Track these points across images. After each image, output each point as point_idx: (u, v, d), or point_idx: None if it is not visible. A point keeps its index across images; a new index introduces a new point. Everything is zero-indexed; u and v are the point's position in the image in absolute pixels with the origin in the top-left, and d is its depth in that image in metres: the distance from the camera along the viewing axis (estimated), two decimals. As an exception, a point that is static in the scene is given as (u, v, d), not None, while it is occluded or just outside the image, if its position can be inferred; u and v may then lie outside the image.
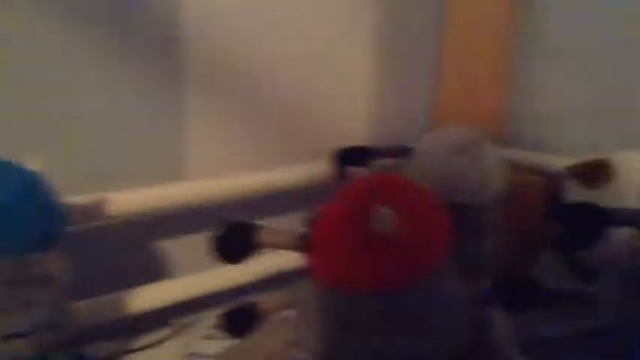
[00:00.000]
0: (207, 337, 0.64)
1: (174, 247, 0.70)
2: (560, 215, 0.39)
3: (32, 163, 0.46)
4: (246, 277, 0.69)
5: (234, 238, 0.39)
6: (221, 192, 0.68)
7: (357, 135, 0.79)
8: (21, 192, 0.42)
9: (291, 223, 0.65)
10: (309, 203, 0.72)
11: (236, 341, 0.44)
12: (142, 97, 0.65)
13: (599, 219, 0.38)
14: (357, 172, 0.48)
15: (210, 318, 0.66)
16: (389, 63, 0.85)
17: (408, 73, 0.89)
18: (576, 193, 0.63)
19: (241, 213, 0.72)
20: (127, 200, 0.60)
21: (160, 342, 0.63)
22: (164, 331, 0.65)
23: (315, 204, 0.70)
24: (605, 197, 0.60)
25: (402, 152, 0.56)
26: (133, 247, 0.67)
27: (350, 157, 0.50)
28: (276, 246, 0.40)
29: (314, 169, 0.71)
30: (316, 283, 0.41)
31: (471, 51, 0.92)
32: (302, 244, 0.39)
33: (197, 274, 0.68)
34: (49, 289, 0.45)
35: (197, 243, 0.70)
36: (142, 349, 0.61)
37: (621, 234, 0.46)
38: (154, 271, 0.69)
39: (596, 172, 0.62)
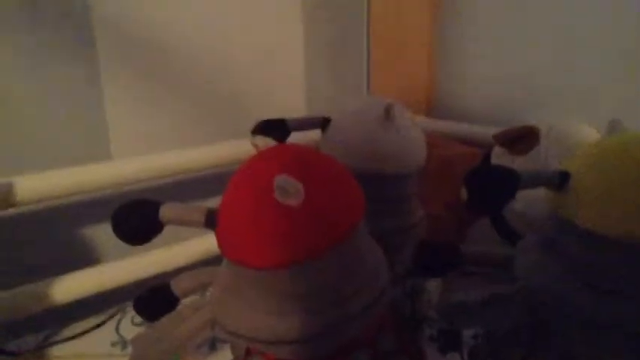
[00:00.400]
0: (137, 324, 0.62)
1: (98, 233, 0.69)
2: (470, 180, 0.38)
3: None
4: (177, 262, 0.68)
5: (136, 216, 0.37)
6: (144, 171, 0.66)
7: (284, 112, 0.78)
8: None
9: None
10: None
11: (151, 325, 0.43)
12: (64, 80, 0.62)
13: (506, 180, 0.38)
14: (263, 142, 0.47)
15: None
16: (317, 45, 0.84)
17: (336, 54, 0.88)
18: (503, 161, 0.64)
19: (168, 193, 0.71)
20: (41, 183, 0.57)
21: (88, 331, 0.61)
22: (92, 320, 0.64)
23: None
24: (529, 164, 0.61)
25: (323, 124, 0.55)
26: (54, 235, 0.65)
27: (268, 129, 0.49)
28: (183, 222, 0.38)
29: (240, 146, 0.70)
30: (227, 260, 0.40)
31: (398, 24, 0.92)
32: (209, 219, 0.38)
33: (124, 261, 0.66)
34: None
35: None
36: (69, 339, 0.59)
37: (535, 198, 0.46)
38: (80, 258, 0.67)
39: (520, 139, 0.62)
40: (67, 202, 0.64)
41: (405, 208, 0.55)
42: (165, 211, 0.37)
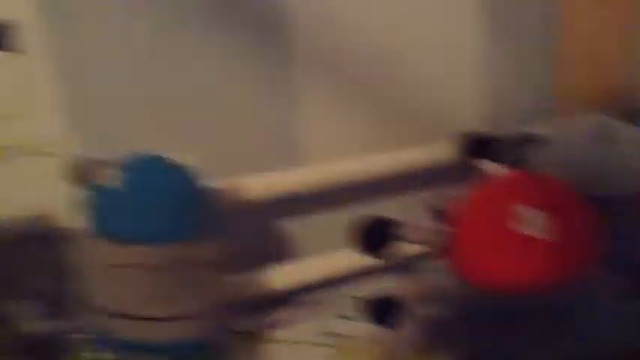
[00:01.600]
0: (342, 317, 0.67)
1: (300, 229, 0.74)
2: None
3: (185, 157, 0.50)
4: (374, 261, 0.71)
5: (377, 234, 0.41)
6: (345, 176, 0.70)
7: (471, 115, 0.78)
8: (186, 184, 0.47)
9: (408, 206, 0.66)
10: (427, 186, 0.73)
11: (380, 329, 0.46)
12: (255, 82, 0.67)
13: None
14: (491, 167, 0.47)
15: (342, 298, 0.69)
16: (499, 38, 0.80)
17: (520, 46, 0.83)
18: None
19: (362, 196, 0.74)
20: (258, 185, 0.63)
21: (297, 319, 0.67)
22: (299, 310, 0.69)
23: (434, 187, 0.71)
24: None
25: (528, 141, 0.54)
26: (259, 230, 0.71)
27: (479, 148, 0.50)
28: (417, 242, 0.41)
29: (432, 151, 0.72)
30: (462, 282, 0.41)
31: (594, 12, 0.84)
32: (442, 242, 0.40)
33: (327, 255, 0.71)
34: (210, 272, 0.50)
35: (322, 224, 0.75)
36: (281, 325, 0.66)
37: None
38: (283, 252, 0.73)
39: None
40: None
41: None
42: (408, 232, 0.40)
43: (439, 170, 0.72)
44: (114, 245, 0.44)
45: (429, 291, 0.46)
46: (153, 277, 0.45)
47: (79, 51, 0.58)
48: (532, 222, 0.35)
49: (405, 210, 0.62)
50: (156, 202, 0.45)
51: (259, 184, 0.63)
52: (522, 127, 0.64)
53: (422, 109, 0.78)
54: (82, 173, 0.48)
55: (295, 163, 0.70)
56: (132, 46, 0.60)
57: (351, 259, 0.71)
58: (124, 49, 0.60)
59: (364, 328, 0.58)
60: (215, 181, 0.54)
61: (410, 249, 0.69)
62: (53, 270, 0.50)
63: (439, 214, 0.44)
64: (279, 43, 0.67)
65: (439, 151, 0.72)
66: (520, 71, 0.85)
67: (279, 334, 0.66)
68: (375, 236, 0.41)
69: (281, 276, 0.67)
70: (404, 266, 0.69)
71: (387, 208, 0.62)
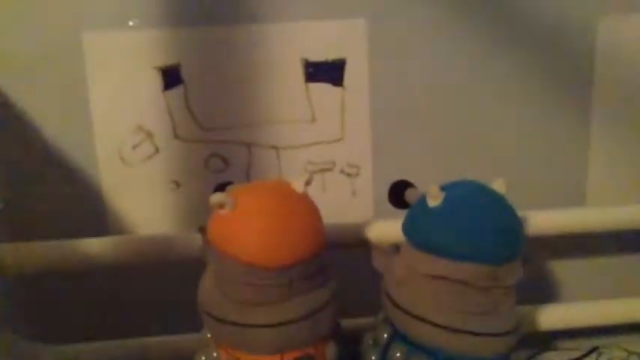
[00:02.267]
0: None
1: (565, 270, 0.72)
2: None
3: (499, 185, 0.52)
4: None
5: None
6: (619, 220, 0.67)
7: None
8: (508, 209, 0.50)
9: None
10: None
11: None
12: (555, 119, 0.68)
13: None
14: None
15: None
16: None
17: None
18: None
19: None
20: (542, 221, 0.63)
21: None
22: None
23: None
24: None
25: None
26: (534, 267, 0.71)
27: None
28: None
29: None
30: None
31: None
32: None
33: (593, 302, 0.68)
34: (513, 295, 0.51)
35: (588, 268, 0.72)
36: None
37: None
38: (551, 292, 0.72)
39: None
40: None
41: None
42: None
43: None
44: (441, 260, 0.48)
45: None
46: (475, 294, 0.47)
47: (392, 86, 0.65)
48: None
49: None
50: (476, 222, 0.48)
51: (544, 220, 0.63)
52: None
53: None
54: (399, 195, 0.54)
55: (579, 204, 0.70)
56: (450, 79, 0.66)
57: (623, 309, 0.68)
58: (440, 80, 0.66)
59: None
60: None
61: None
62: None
63: None
64: (583, 86, 0.68)
65: None
66: None
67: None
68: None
69: (548, 317, 0.66)
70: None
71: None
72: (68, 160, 0.63)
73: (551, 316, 0.65)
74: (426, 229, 0.49)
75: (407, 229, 0.51)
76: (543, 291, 0.72)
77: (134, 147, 0.64)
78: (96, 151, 0.63)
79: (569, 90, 0.67)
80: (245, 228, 0.44)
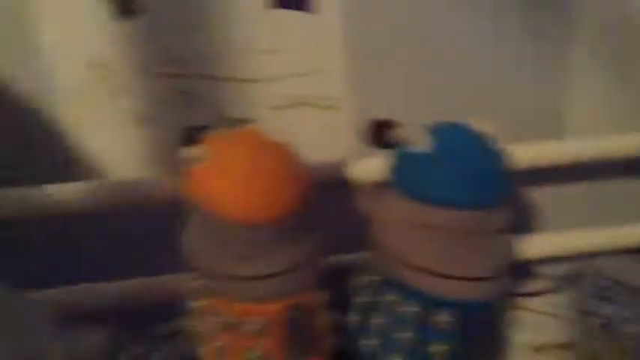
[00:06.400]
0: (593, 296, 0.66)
1: (544, 200, 0.73)
2: None
3: (484, 125, 0.51)
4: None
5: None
6: (599, 152, 0.68)
7: None
8: (492, 151, 0.49)
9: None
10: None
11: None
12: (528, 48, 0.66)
13: None
14: None
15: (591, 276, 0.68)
16: None
17: None
18: None
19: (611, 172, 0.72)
20: (522, 154, 0.62)
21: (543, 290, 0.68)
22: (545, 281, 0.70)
23: None
24: None
25: None
26: (514, 198, 0.71)
27: None
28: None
29: None
30: None
31: None
32: None
33: (577, 231, 0.70)
34: (502, 240, 0.52)
35: (568, 197, 0.73)
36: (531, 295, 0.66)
37: None
38: (532, 222, 0.73)
39: None
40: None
41: None
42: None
43: None
44: (421, 206, 0.47)
45: None
46: (454, 238, 0.48)
47: (367, 9, 0.61)
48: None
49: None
50: (466, 168, 0.47)
51: (523, 153, 0.63)
52: None
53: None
54: (380, 134, 0.52)
55: (558, 136, 0.69)
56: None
57: (602, 237, 0.70)
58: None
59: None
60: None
61: None
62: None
63: None
64: (561, 19, 0.65)
65: None
66: None
67: (526, 302, 0.67)
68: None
69: (531, 246, 0.68)
70: None
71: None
72: (25, 102, 0.60)
73: (531, 245, 0.67)
74: (419, 178, 0.48)
75: (398, 177, 0.50)
76: (521, 220, 0.73)
77: (91, 83, 0.61)
78: (54, 91, 0.60)
79: (550, 27, 0.66)
80: (224, 184, 0.43)
